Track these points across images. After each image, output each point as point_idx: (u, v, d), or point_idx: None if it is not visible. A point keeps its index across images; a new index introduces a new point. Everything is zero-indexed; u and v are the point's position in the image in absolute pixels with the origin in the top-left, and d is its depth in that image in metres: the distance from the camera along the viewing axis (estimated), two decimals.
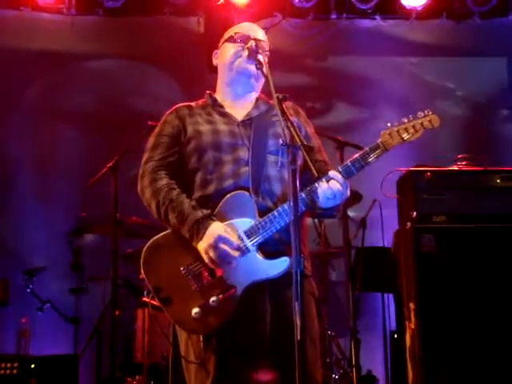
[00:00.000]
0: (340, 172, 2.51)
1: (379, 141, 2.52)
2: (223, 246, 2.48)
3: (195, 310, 2.47)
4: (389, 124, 2.54)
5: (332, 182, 2.47)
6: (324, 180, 2.48)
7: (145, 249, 2.61)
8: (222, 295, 2.47)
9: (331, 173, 2.50)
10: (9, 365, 4.36)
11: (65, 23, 6.32)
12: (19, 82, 6.35)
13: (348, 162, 2.53)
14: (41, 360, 4.48)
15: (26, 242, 6.12)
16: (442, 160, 4.46)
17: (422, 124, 2.53)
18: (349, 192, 2.54)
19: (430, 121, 2.54)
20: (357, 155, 2.52)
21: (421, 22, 6.53)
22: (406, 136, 2.52)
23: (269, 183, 2.60)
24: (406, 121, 2.54)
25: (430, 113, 2.55)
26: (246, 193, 2.55)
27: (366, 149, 2.52)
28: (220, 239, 2.47)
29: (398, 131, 2.52)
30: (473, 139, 6.10)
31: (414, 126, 2.52)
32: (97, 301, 4.96)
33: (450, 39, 6.63)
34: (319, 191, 2.47)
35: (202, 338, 2.50)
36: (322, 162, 2.76)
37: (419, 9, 6.34)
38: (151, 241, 2.62)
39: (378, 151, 2.51)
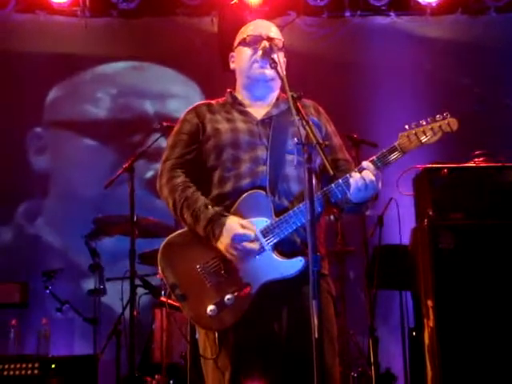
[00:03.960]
0: (373, 162, 2.48)
1: (397, 143, 2.49)
2: (242, 244, 2.48)
3: (210, 307, 2.48)
4: (406, 126, 2.50)
5: (365, 173, 2.45)
6: (356, 170, 2.47)
7: (161, 246, 2.63)
8: (237, 293, 2.48)
9: (364, 163, 2.48)
10: (29, 365, 4.40)
11: (79, 26, 6.36)
12: (35, 85, 6.41)
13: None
14: (61, 360, 4.51)
15: (45, 244, 6.18)
16: (458, 157, 4.43)
17: (440, 127, 2.49)
18: (380, 185, 2.50)
19: (448, 123, 2.49)
20: (374, 157, 2.50)
21: (436, 17, 6.50)
22: (424, 139, 2.48)
23: (286, 183, 2.60)
24: (424, 123, 2.50)
25: (449, 115, 2.51)
26: (263, 192, 2.55)
27: (383, 151, 2.50)
28: (237, 237, 2.48)
29: (416, 133, 2.48)
30: (490, 135, 6.06)
31: (432, 129, 2.48)
32: (115, 301, 4.98)
33: (466, 34, 6.58)
34: (351, 181, 2.45)
35: (216, 335, 2.52)
36: (344, 161, 2.76)
37: (434, 4, 6.32)
38: (168, 238, 2.64)
39: (395, 154, 2.49)
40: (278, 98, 2.78)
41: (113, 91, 6.54)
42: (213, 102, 2.82)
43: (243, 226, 2.50)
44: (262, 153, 2.62)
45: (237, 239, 2.48)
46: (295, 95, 2.43)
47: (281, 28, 2.87)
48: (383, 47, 6.42)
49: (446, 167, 4.14)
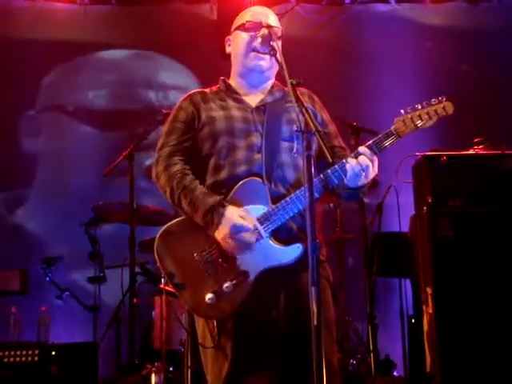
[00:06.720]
0: (370, 147, 2.48)
1: (392, 128, 2.49)
2: (240, 234, 2.48)
3: (209, 296, 2.48)
4: (402, 111, 2.49)
5: (361, 158, 2.45)
6: (353, 156, 2.47)
7: (158, 235, 2.62)
8: (236, 281, 2.48)
9: (361, 148, 2.47)
10: (30, 352, 4.42)
11: (78, 13, 6.35)
12: (33, 73, 6.39)
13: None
14: (61, 348, 4.53)
15: (44, 232, 6.19)
16: (458, 144, 4.42)
17: (436, 111, 2.48)
18: (377, 169, 2.50)
19: (444, 107, 2.49)
20: (370, 142, 2.49)
21: (436, 4, 6.48)
22: (419, 123, 2.48)
23: (282, 170, 2.59)
24: (419, 107, 2.49)
25: (444, 99, 2.50)
26: (259, 179, 2.55)
27: (379, 136, 2.49)
28: (235, 228, 2.48)
29: (411, 118, 2.48)
30: (490, 122, 6.05)
31: (428, 113, 2.48)
32: (115, 289, 4.99)
33: (466, 21, 6.56)
34: (347, 167, 2.45)
35: (215, 324, 2.52)
36: (339, 148, 2.76)
37: None
38: (165, 227, 2.63)
39: (391, 138, 2.48)
40: (272, 86, 2.78)
41: (111, 78, 6.52)
42: (206, 90, 2.81)
43: (242, 217, 2.50)
44: (257, 140, 2.62)
45: (235, 230, 2.48)
46: (294, 82, 2.43)
47: (280, 15, 2.86)
48: (383, 35, 6.41)
49: (445, 155, 4.13)
